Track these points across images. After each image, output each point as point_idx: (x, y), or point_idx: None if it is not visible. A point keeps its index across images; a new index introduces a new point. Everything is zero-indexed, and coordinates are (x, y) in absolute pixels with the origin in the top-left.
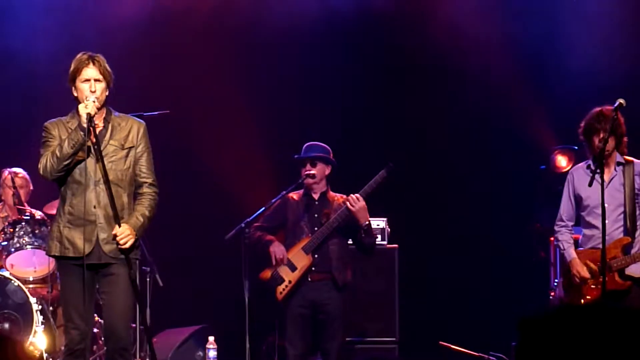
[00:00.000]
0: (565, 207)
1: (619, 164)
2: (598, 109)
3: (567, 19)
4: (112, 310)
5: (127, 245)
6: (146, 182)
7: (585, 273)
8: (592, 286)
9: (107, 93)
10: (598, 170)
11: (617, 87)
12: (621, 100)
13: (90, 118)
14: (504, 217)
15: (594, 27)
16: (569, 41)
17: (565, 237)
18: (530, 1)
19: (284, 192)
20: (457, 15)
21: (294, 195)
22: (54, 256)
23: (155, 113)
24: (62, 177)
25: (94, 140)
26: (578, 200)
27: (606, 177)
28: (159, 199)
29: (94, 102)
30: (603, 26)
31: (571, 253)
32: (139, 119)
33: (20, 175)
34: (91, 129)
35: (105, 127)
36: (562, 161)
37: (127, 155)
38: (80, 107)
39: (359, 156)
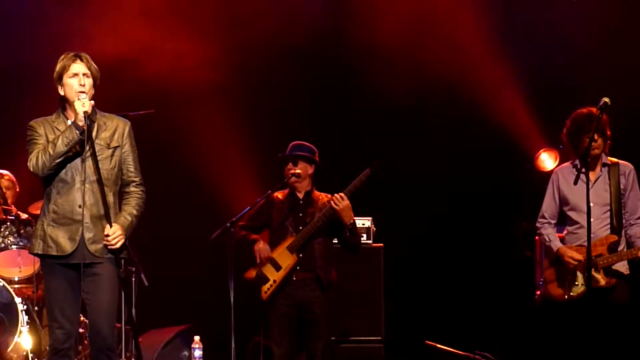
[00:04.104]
0: (549, 205)
1: (604, 164)
2: (585, 109)
3: (554, 18)
4: (96, 310)
5: (117, 246)
6: (134, 182)
7: (578, 255)
8: (577, 283)
9: (93, 91)
10: (583, 170)
11: (603, 86)
12: (606, 99)
13: (87, 116)
14: (489, 216)
15: (581, 26)
16: (555, 42)
17: (549, 231)
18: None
19: (269, 191)
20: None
21: (279, 195)
22: (36, 254)
23: (140, 112)
24: (52, 174)
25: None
26: (563, 198)
27: (592, 177)
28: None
29: (90, 101)
30: (589, 25)
31: (557, 244)
32: (123, 119)
33: (6, 177)
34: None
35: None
36: (546, 160)
37: (112, 155)
38: (77, 104)
39: (344, 155)
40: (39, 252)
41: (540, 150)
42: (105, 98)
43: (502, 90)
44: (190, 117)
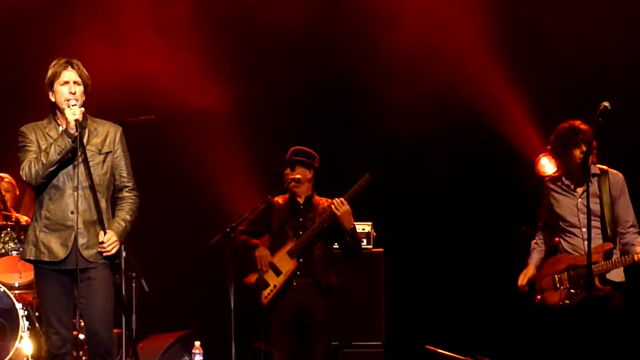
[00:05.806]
0: (543, 215)
1: (593, 175)
2: (567, 123)
3: (555, 23)
4: (92, 314)
5: (113, 252)
6: (127, 187)
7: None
8: (572, 291)
9: (84, 97)
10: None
11: (603, 93)
12: (606, 103)
13: (79, 124)
14: (489, 221)
15: (581, 31)
16: (556, 47)
17: (537, 242)
18: (516, 6)
19: (269, 196)
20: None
21: (280, 199)
22: (28, 260)
23: (140, 118)
24: (44, 181)
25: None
26: (556, 209)
27: (582, 189)
28: (142, 204)
29: (80, 108)
30: (590, 31)
31: (532, 259)
32: (114, 124)
33: (6, 180)
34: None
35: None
36: (547, 165)
37: (104, 160)
38: (68, 112)
39: (343, 160)
40: (31, 258)
41: (540, 155)
42: (107, 107)
43: (502, 95)
44: (191, 122)
